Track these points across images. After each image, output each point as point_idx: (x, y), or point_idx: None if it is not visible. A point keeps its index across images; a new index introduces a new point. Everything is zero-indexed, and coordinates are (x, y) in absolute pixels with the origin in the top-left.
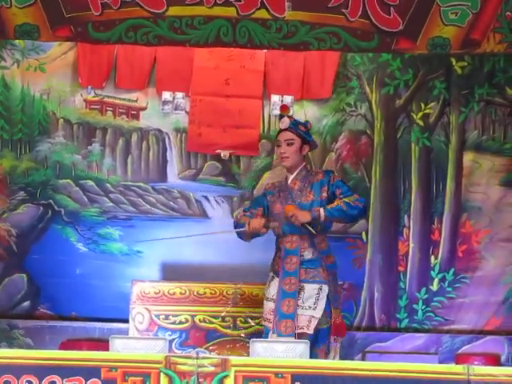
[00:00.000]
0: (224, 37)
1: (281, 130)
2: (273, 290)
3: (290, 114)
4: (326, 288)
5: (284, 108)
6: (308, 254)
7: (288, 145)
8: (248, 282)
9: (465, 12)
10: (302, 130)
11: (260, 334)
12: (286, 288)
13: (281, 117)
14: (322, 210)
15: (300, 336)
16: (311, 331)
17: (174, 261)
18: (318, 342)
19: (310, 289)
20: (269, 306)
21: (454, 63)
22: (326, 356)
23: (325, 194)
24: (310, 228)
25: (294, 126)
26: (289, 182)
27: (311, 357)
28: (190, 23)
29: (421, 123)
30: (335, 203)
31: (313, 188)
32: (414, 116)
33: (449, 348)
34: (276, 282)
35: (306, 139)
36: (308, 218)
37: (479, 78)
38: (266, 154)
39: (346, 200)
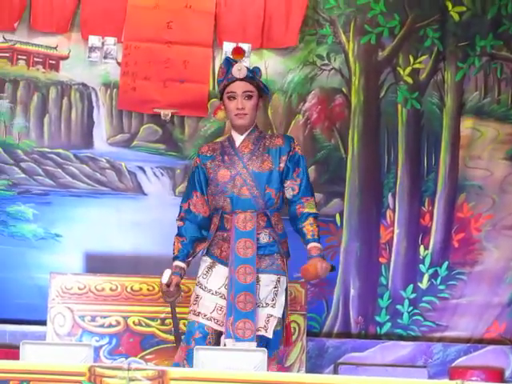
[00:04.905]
0: None
1: (233, 80)
2: (215, 279)
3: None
4: (284, 280)
5: (238, 51)
6: (264, 238)
7: (246, 98)
8: (193, 276)
9: None
10: (259, 80)
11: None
12: (242, 279)
13: (228, 62)
14: (319, 245)
15: (257, 340)
16: (270, 334)
17: (103, 249)
18: (269, 349)
19: (265, 281)
20: (212, 300)
21: (450, 8)
22: (278, 367)
23: (282, 165)
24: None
25: (252, 74)
26: (237, 143)
27: None
28: None
29: (409, 80)
30: (313, 228)
31: (270, 154)
32: (401, 71)
33: (441, 360)
34: (221, 270)
35: (263, 91)
36: (329, 267)
37: (481, 27)
38: None
39: (312, 218)
